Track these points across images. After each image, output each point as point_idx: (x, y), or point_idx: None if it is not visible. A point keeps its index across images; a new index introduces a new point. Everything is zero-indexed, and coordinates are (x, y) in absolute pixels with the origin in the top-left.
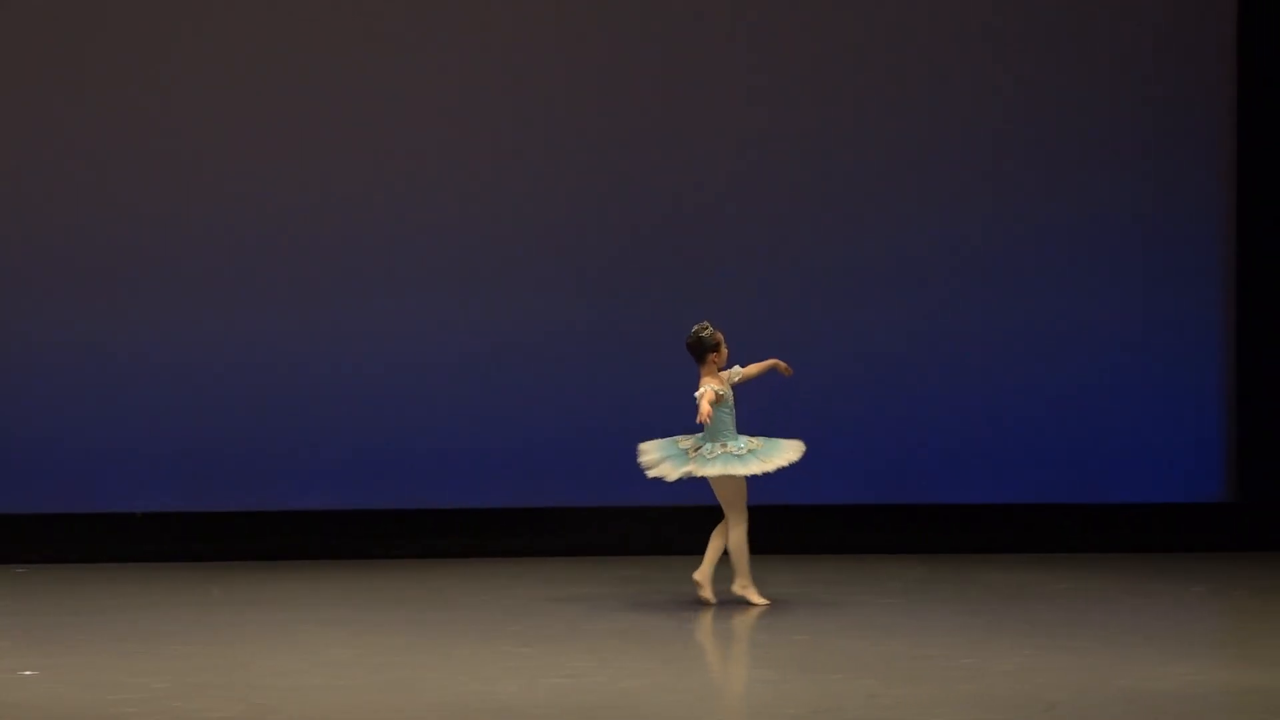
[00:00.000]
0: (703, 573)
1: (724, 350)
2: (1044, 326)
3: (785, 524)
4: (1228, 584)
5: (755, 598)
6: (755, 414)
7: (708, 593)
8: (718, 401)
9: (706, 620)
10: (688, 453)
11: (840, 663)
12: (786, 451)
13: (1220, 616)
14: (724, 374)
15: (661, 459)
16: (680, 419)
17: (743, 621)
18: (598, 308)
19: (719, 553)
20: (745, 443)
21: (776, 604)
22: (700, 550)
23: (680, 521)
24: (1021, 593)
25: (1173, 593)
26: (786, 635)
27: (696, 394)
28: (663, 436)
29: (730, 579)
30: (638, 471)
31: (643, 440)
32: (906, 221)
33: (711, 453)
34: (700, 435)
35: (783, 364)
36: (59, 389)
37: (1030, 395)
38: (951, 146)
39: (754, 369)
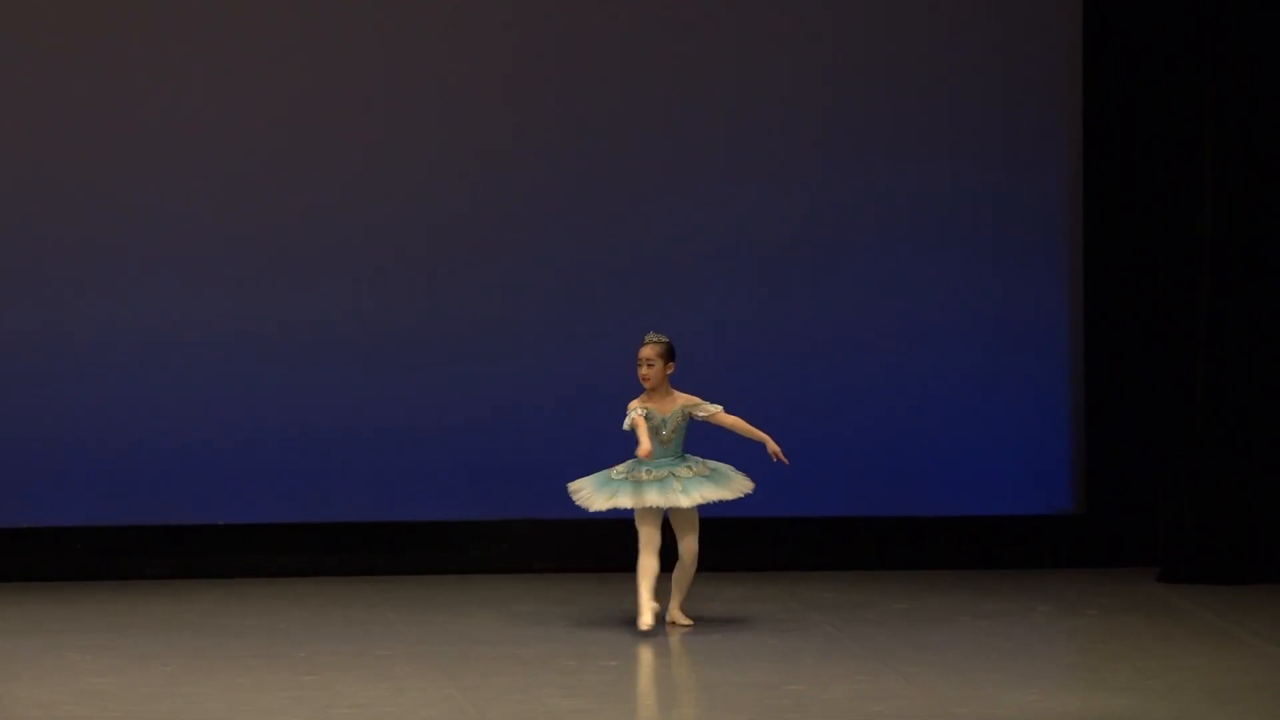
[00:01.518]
0: (674, 610)
1: (643, 369)
2: (878, 323)
3: (585, 540)
4: (1076, 602)
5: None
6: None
7: (685, 619)
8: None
9: (513, 644)
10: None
11: (656, 691)
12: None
13: (1068, 637)
14: (680, 397)
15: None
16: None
17: (548, 646)
18: (386, 306)
19: (677, 581)
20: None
21: (586, 626)
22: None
23: (475, 533)
24: (854, 614)
25: (1017, 612)
26: (599, 661)
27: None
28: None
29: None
30: (432, 483)
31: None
32: (712, 202)
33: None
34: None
35: (773, 445)
36: None
37: (860, 397)
38: (766, 122)
39: (741, 425)
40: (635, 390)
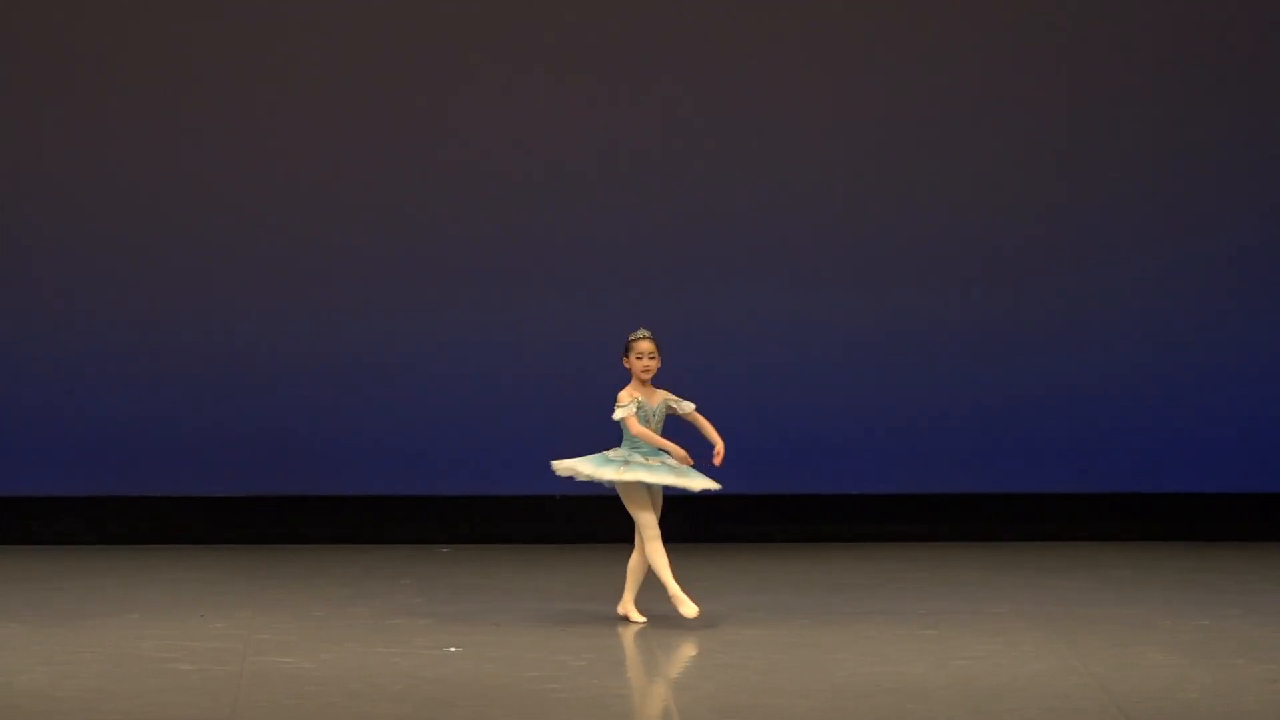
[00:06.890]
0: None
1: (633, 360)
2: None
3: (1171, 511)
4: None
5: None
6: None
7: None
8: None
9: (1113, 605)
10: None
11: (1241, 649)
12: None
13: None
14: (659, 391)
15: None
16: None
17: (1146, 609)
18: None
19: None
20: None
21: (1178, 590)
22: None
23: (1075, 505)
24: None
25: None
26: (1190, 621)
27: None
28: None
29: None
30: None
31: None
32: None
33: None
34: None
35: (720, 449)
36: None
37: None
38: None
39: (702, 423)
40: None
